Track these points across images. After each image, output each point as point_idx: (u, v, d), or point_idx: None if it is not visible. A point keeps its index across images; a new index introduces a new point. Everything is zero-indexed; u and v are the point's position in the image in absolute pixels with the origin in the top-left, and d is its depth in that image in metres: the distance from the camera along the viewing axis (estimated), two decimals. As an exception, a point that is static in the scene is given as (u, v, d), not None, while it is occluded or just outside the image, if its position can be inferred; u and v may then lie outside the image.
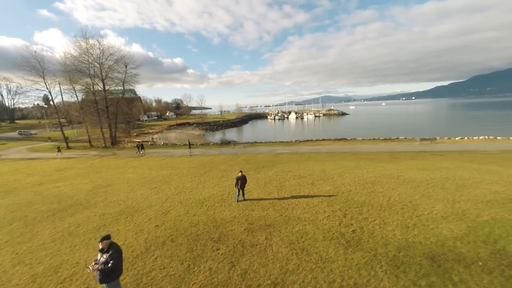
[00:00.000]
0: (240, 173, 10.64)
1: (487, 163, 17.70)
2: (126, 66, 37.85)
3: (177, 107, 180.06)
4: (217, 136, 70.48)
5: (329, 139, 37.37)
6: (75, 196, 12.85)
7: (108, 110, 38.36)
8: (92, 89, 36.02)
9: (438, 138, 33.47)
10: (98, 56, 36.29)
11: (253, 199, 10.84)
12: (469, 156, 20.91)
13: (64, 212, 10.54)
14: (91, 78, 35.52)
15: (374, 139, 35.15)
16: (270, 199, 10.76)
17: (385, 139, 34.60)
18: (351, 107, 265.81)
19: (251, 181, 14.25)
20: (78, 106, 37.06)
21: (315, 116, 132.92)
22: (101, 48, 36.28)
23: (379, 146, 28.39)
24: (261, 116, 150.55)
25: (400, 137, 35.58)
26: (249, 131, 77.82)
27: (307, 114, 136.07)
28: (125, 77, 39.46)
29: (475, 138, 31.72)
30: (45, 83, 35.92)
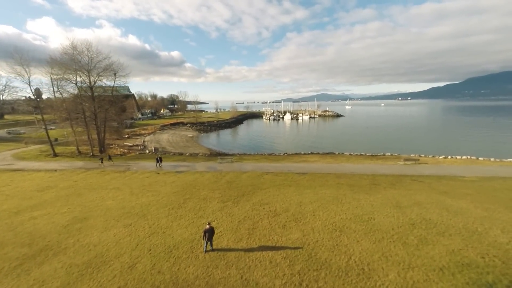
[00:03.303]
0: (208, 226, 10.83)
1: (461, 196, 18.20)
2: (115, 74, 37.38)
3: (173, 103, 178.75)
4: (211, 138, 70.52)
5: (318, 153, 37.72)
6: (48, 235, 12.91)
7: (97, 118, 37.92)
8: (79, 100, 35.56)
9: (422, 156, 34.19)
10: (86, 63, 35.72)
11: (220, 249, 11.08)
12: (446, 184, 21.41)
13: (32, 261, 10.62)
14: (78, 89, 35.04)
15: (360, 155, 35.61)
16: (238, 250, 11.01)
17: (371, 155, 35.08)
18: (347, 107, 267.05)
19: (226, 218, 14.54)
20: (66, 115, 36.48)
21: (310, 117, 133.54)
22: (90, 55, 35.70)
23: (363, 165, 28.82)
24: (257, 116, 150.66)
25: (386, 153, 36.10)
26: (242, 134, 77.87)
27: (302, 114, 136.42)
28: (114, 84, 39.00)
29: (457, 157, 32.40)
30: (31, 90, 35.38)
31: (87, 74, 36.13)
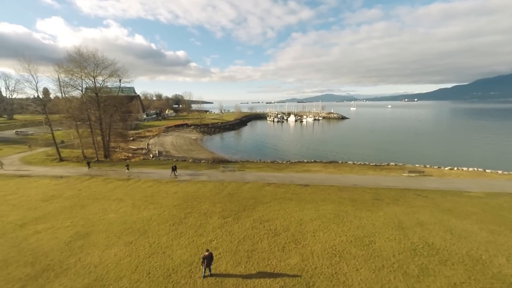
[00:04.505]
0: (206, 252, 10.86)
1: (466, 215, 17.88)
2: (120, 81, 37.85)
3: (177, 103, 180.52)
4: (215, 140, 70.83)
5: (321, 162, 37.47)
6: (50, 253, 13.12)
7: (102, 123, 38.41)
8: (85, 106, 36.15)
9: (428, 166, 33.65)
10: (92, 69, 36.23)
11: (219, 275, 11.10)
12: (451, 201, 21.04)
13: (34, 283, 10.81)
14: (83, 95, 35.60)
15: (364, 164, 35.27)
16: (235, 276, 11.02)
17: (375, 165, 34.69)
18: (352, 108, 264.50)
19: (226, 237, 14.57)
20: (71, 119, 37.16)
21: (315, 119, 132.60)
22: (95, 62, 36.19)
23: (366, 177, 28.52)
24: (261, 117, 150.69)
25: (391, 163, 35.66)
26: (246, 138, 77.81)
27: (307, 117, 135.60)
28: (119, 89, 39.46)
29: (464, 169, 31.77)
30: (38, 95, 36.05)
31: (93, 80, 36.65)
